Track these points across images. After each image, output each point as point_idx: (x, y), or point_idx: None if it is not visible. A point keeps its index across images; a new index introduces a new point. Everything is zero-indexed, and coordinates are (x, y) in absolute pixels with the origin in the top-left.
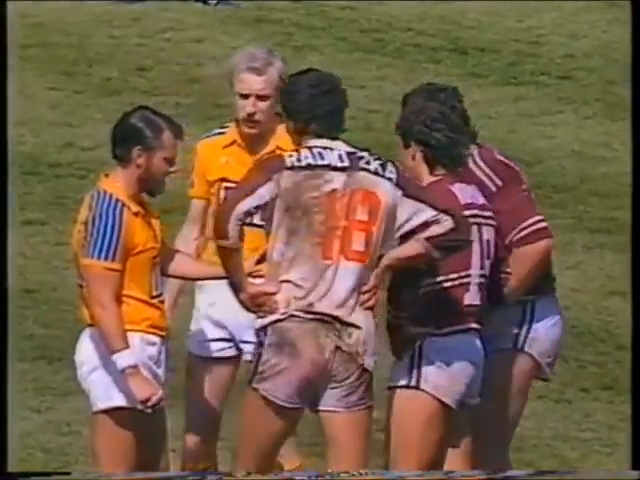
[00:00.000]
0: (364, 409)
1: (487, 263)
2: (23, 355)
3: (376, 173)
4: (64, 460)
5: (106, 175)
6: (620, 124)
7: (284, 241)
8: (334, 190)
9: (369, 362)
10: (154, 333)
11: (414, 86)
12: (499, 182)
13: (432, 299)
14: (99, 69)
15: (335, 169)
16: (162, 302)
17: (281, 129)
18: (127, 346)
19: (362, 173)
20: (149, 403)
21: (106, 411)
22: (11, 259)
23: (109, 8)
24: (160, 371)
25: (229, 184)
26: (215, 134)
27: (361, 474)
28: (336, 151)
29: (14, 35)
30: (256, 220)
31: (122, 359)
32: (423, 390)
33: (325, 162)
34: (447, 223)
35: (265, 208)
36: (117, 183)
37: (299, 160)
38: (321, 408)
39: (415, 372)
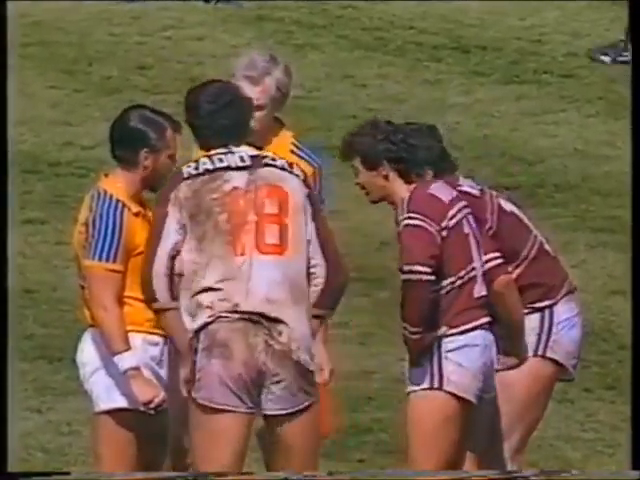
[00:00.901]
0: (309, 407)
1: (482, 251)
2: (23, 355)
3: (282, 169)
4: (64, 460)
5: (106, 175)
6: (623, 123)
7: (195, 248)
8: (235, 188)
9: (305, 358)
10: (156, 333)
11: (415, 84)
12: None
13: (445, 301)
14: (99, 67)
15: (236, 169)
16: None
17: (278, 137)
18: (129, 348)
19: (266, 169)
20: (151, 405)
21: (108, 412)
22: (11, 258)
23: (109, 6)
24: (162, 372)
25: None
26: None
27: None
28: (237, 154)
29: (13, 34)
30: None
31: (124, 361)
32: (446, 391)
33: (224, 164)
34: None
35: (183, 235)
36: (118, 183)
37: (197, 168)
38: (267, 412)
39: (437, 373)
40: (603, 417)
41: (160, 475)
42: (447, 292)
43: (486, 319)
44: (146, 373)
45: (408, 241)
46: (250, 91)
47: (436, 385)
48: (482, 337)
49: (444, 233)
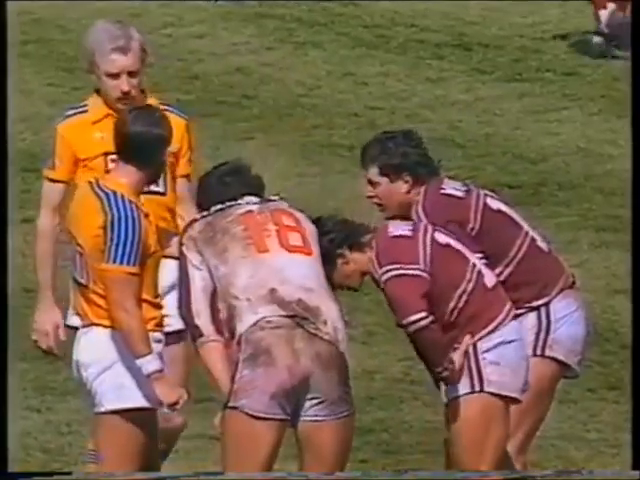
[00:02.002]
0: (348, 416)
1: (467, 241)
2: (22, 354)
3: (290, 206)
4: (63, 460)
5: (107, 171)
6: (626, 121)
7: (220, 263)
8: (250, 211)
9: (344, 347)
10: (159, 330)
11: (417, 82)
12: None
13: (467, 312)
14: None
15: (246, 204)
16: (161, 300)
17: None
18: (151, 350)
19: (276, 202)
20: (177, 407)
21: (115, 412)
22: (11, 258)
23: (108, 4)
24: (165, 367)
25: (114, 156)
26: (73, 114)
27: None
28: (247, 198)
29: (12, 31)
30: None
31: (148, 364)
32: (488, 392)
33: (234, 203)
34: None
35: (206, 268)
36: (121, 179)
37: (208, 211)
38: (306, 418)
39: (476, 376)
40: (606, 417)
41: (160, 475)
42: (466, 301)
43: (509, 305)
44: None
45: (394, 295)
46: (124, 60)
47: (477, 389)
48: (515, 331)
49: (425, 264)
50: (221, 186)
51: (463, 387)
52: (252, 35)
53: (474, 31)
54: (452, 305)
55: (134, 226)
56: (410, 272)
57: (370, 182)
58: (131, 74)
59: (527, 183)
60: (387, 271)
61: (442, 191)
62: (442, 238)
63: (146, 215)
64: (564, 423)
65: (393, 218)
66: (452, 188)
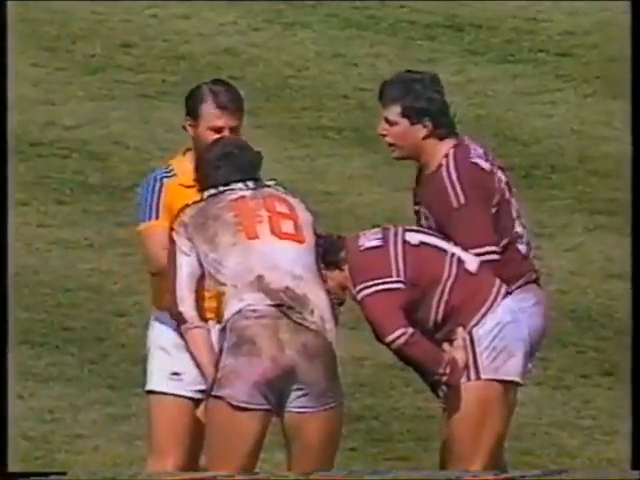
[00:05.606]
0: (335, 408)
1: (444, 230)
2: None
3: (286, 193)
4: (46, 448)
5: (186, 151)
6: (620, 102)
7: (209, 250)
8: (242, 197)
9: (332, 336)
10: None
11: (408, 63)
12: (462, 199)
13: (453, 305)
14: (82, 45)
15: (240, 190)
16: None
17: None
18: None
19: (270, 188)
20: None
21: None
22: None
23: None
24: None
25: None
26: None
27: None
28: (241, 183)
29: None
30: None
31: None
32: (485, 379)
33: (227, 188)
34: None
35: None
36: (189, 158)
37: (202, 196)
38: (290, 409)
39: (472, 365)
40: (600, 404)
41: (166, 476)
42: (449, 295)
43: (497, 284)
44: None
45: (370, 314)
46: None
47: (473, 377)
48: (509, 311)
49: (399, 274)
50: (213, 171)
51: None
52: (239, 16)
53: (466, 12)
54: (436, 302)
55: (153, 188)
56: (383, 287)
57: (387, 121)
58: None
59: (520, 165)
60: (360, 290)
61: (472, 159)
62: (414, 238)
63: (188, 186)
64: (557, 410)
65: (402, 159)
66: (479, 157)
